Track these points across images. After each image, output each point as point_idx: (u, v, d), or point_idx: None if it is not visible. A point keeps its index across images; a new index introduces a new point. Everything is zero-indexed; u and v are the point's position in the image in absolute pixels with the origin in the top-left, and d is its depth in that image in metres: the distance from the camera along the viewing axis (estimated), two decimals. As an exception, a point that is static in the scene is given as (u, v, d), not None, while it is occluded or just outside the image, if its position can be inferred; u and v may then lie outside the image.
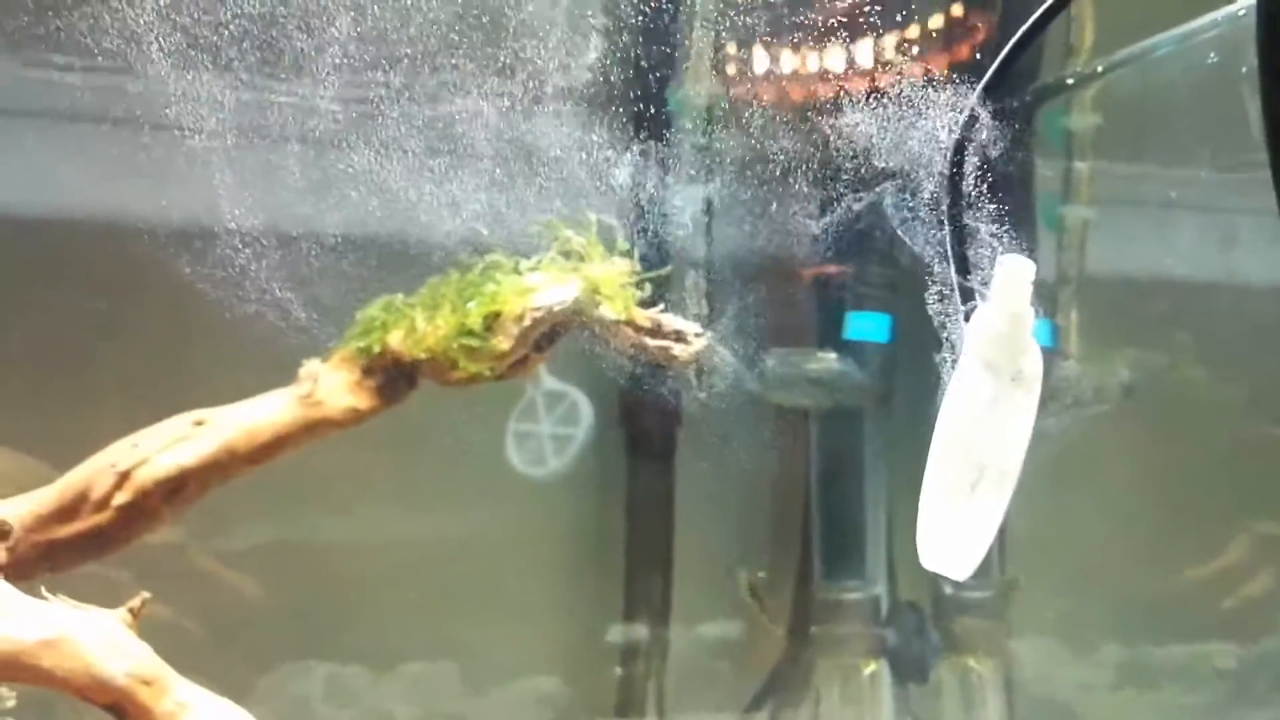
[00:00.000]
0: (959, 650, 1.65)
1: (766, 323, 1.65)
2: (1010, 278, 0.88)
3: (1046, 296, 1.70)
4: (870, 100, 1.13)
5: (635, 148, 1.42)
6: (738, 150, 1.61)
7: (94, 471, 1.19)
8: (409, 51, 1.31)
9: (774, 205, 1.48)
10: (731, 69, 1.63)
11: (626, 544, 1.92)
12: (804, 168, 1.40)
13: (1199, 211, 1.76)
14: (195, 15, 1.23)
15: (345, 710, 2.01)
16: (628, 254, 1.25)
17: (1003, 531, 1.70)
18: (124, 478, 1.19)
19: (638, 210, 1.42)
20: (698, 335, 1.27)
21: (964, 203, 0.94)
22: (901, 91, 1.09)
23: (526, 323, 1.21)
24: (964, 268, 0.93)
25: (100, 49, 1.21)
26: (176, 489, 1.20)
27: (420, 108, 1.34)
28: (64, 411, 1.58)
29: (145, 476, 1.19)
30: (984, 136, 1.05)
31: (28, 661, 1.02)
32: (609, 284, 1.22)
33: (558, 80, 1.37)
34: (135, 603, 1.08)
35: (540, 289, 1.22)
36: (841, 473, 1.72)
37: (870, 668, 1.62)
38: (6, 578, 1.14)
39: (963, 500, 0.93)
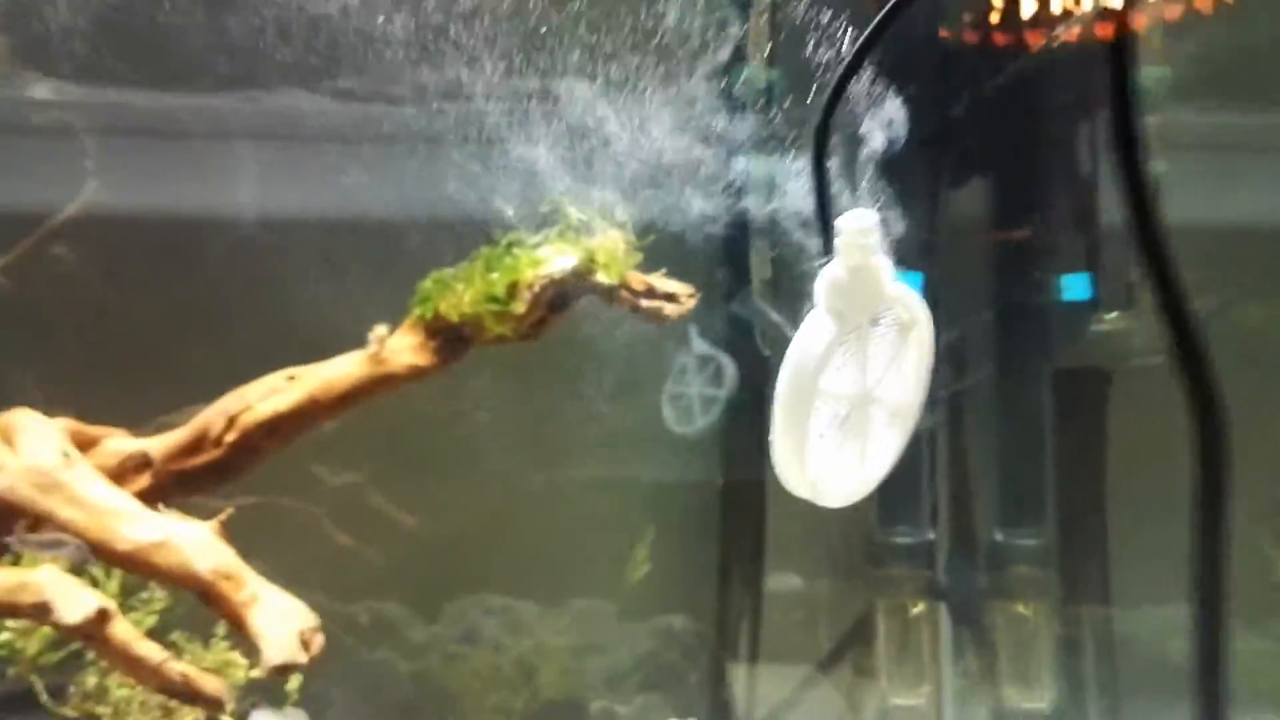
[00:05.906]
0: (1009, 597, 1.68)
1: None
2: (849, 233, 0.98)
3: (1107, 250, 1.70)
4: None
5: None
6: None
7: (211, 416, 1.51)
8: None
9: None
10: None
11: (722, 499, 2.07)
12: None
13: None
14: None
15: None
16: (623, 226, 1.41)
17: (1066, 481, 1.72)
18: (232, 421, 1.50)
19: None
20: (690, 296, 1.42)
21: (826, 157, 1.03)
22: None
23: (536, 289, 1.41)
24: (826, 223, 1.02)
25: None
26: (272, 430, 1.50)
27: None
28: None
29: (248, 420, 1.49)
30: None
31: (142, 557, 1.33)
32: (604, 253, 1.39)
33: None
34: (223, 516, 1.37)
35: (548, 260, 1.42)
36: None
37: (918, 607, 1.69)
38: (148, 498, 1.47)
39: (829, 434, 1.03)
